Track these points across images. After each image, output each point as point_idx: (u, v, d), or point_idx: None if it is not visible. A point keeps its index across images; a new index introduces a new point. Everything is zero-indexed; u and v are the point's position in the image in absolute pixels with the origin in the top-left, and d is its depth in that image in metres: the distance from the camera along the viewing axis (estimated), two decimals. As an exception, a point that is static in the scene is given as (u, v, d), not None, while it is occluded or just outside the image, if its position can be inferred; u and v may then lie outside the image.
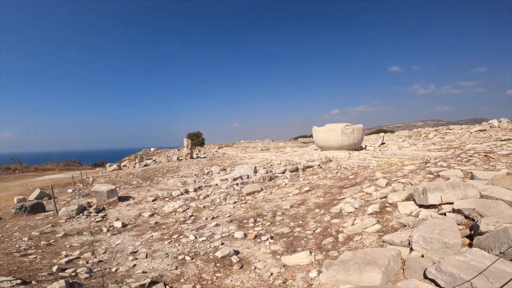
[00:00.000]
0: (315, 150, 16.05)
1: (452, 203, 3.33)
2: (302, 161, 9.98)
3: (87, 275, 2.94)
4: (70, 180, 10.01)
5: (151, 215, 5.72)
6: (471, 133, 10.80)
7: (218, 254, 3.53)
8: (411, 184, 4.63)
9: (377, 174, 5.75)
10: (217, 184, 7.93)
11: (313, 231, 4.04)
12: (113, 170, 13.02)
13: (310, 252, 3.25)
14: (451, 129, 12.58)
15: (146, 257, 3.57)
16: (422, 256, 2.55)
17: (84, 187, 9.59)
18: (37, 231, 4.75)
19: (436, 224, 2.73)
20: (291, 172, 8.63)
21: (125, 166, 14.06)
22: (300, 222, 4.52)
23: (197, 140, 29.73)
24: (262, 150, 20.59)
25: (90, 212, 5.84)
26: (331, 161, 9.66)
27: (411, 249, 2.65)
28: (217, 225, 4.84)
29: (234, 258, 3.43)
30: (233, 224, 4.87)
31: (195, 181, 9.29)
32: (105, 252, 3.80)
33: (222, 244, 3.91)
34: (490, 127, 10.91)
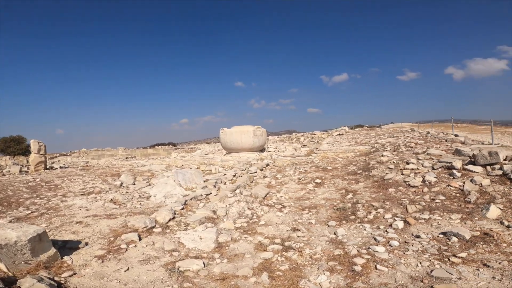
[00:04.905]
0: (206, 154, 14.79)
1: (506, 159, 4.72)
2: (252, 161, 8.88)
3: None
4: None
5: (202, 270, 2.89)
6: (333, 135, 14.62)
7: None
8: (433, 160, 5.70)
9: (385, 157, 6.44)
10: (206, 194, 5.31)
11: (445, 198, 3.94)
12: None
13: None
14: (315, 134, 16.43)
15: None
16: None
17: None
18: None
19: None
20: (261, 170, 7.52)
21: None
22: (407, 201, 4.20)
23: (17, 147, 20.27)
24: (127, 158, 15.68)
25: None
26: (274, 160, 9.41)
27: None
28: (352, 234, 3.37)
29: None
30: (357, 223, 3.60)
31: (128, 199, 5.63)
32: None
33: (405, 241, 2.83)
34: (345, 132, 15.46)
